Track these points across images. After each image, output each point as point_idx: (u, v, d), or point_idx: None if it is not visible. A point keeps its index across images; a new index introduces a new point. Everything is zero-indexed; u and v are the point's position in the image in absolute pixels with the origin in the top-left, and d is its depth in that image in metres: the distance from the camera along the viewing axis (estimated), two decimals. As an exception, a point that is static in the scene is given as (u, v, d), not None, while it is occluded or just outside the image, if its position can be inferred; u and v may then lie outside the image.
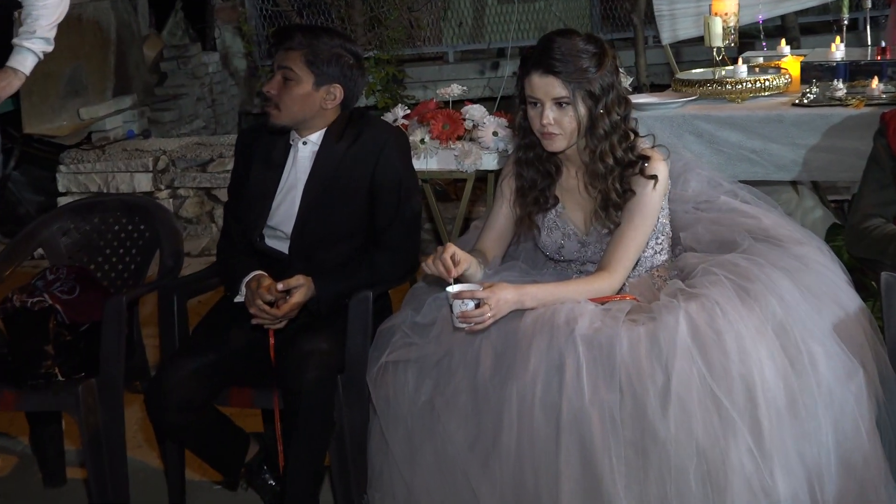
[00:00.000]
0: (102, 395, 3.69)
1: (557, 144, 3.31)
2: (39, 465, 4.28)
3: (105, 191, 7.56)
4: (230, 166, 7.32)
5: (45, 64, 4.65)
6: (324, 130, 3.69)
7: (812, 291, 3.20)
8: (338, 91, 3.63)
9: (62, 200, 7.63)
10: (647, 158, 3.29)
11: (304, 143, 3.70)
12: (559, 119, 3.25)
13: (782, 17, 8.26)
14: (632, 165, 3.30)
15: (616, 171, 3.30)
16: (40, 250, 4.31)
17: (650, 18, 9.91)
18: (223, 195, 7.47)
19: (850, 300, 3.24)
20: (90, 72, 8.48)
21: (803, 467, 2.95)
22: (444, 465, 3.15)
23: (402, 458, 3.25)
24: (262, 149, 3.77)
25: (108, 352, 3.69)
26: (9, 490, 4.40)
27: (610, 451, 2.92)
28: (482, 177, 4.93)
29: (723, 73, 4.37)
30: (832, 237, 3.87)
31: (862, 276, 3.52)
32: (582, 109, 3.22)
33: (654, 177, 3.27)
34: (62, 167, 7.71)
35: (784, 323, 3.06)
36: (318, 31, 3.78)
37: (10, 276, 4.23)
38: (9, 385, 3.72)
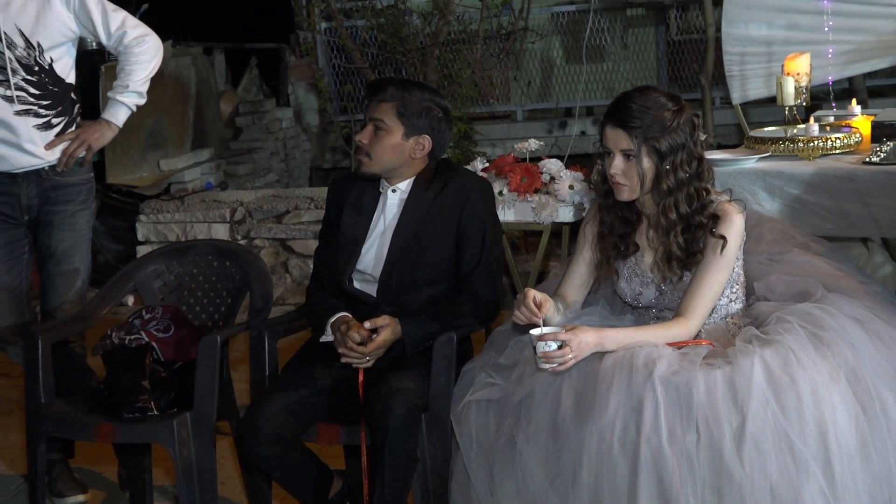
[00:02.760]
0: (195, 429, 3.82)
1: (623, 194, 3.44)
2: (130, 498, 4.41)
3: (183, 240, 7.80)
4: (305, 218, 7.61)
5: (130, 117, 4.81)
6: (412, 179, 3.84)
7: (882, 340, 3.28)
8: (426, 142, 3.79)
9: (141, 249, 7.86)
10: (717, 219, 3.39)
11: (394, 190, 3.85)
12: (625, 170, 3.38)
13: (850, 80, 8.36)
14: (700, 227, 3.41)
15: (679, 227, 3.41)
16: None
17: (717, 79, 10.07)
18: (298, 246, 7.67)
19: None
20: (170, 125, 8.76)
21: (874, 509, 3.04)
22: (524, 500, 3.26)
23: (483, 493, 3.36)
24: (354, 196, 3.93)
25: (203, 388, 3.83)
26: None
27: (687, 489, 3.02)
28: (556, 231, 5.07)
29: (794, 131, 4.48)
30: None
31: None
32: (646, 163, 3.36)
33: (723, 238, 3.37)
34: (142, 217, 7.92)
35: (856, 370, 3.15)
36: (410, 84, 3.96)
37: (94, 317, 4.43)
38: (107, 418, 3.88)
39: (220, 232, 7.75)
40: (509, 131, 10.67)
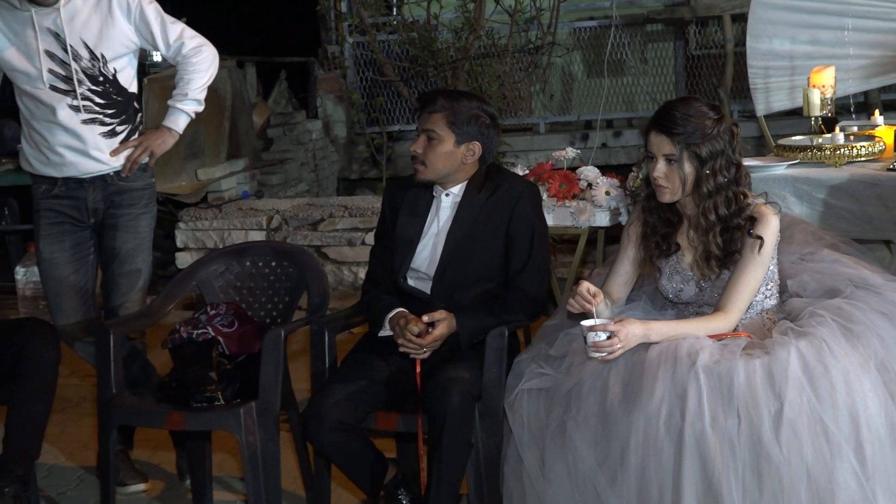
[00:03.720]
0: (260, 417, 4.01)
1: (665, 196, 3.66)
2: (192, 485, 4.59)
3: (221, 247, 7.99)
4: (339, 225, 7.83)
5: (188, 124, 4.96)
6: (465, 183, 4.06)
7: (909, 333, 3.50)
8: (476, 148, 4.01)
9: (180, 255, 8.09)
10: (754, 221, 3.59)
11: (447, 194, 4.07)
12: (668, 174, 3.61)
13: (865, 94, 8.57)
14: (738, 228, 3.61)
15: (717, 228, 3.62)
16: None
17: (735, 92, 10.26)
18: (332, 253, 7.87)
19: None
20: (207, 136, 8.97)
21: (902, 490, 3.22)
22: (575, 481, 3.45)
23: (536, 476, 3.56)
24: (409, 200, 4.14)
25: (267, 379, 4.03)
26: None
27: (729, 471, 3.22)
28: (590, 237, 5.27)
29: (820, 140, 4.69)
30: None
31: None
32: (688, 168, 3.57)
33: (760, 238, 3.57)
34: (181, 224, 8.14)
35: (885, 360, 3.36)
36: (458, 94, 4.18)
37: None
38: (176, 407, 4.09)
39: (257, 239, 7.93)
40: (532, 143, 10.88)
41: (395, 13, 9.27)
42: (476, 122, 4.02)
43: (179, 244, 8.18)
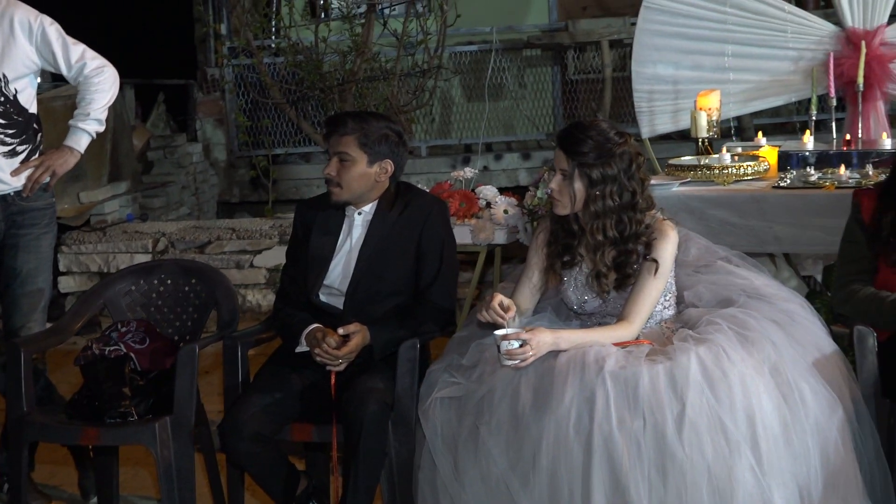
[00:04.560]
0: (175, 431, 4.13)
1: (558, 208, 3.87)
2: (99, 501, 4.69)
3: (106, 271, 8.01)
4: (227, 248, 7.94)
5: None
6: (376, 201, 4.24)
7: (798, 340, 3.75)
8: (389, 166, 4.17)
9: (64, 280, 8.08)
10: (649, 246, 3.81)
11: (359, 213, 4.23)
12: (561, 188, 3.81)
13: (738, 119, 9.01)
14: (632, 252, 3.82)
15: (606, 248, 3.82)
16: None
17: (614, 117, 10.62)
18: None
19: (829, 347, 3.81)
20: (89, 158, 8.79)
21: (795, 484, 3.46)
22: (488, 485, 3.61)
23: (449, 481, 3.71)
24: (320, 219, 4.29)
25: (182, 393, 4.14)
26: None
27: (636, 470, 3.43)
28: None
29: (708, 160, 5.00)
30: (811, 300, 4.45)
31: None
32: (578, 185, 3.77)
33: (655, 261, 3.80)
34: (64, 248, 8.12)
35: (777, 364, 3.61)
36: (366, 115, 4.37)
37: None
38: (90, 423, 4.19)
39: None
40: (414, 166, 11.02)
41: (280, 35, 9.40)
42: (386, 140, 4.18)
43: (62, 268, 8.16)
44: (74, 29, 5.01)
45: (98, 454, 4.61)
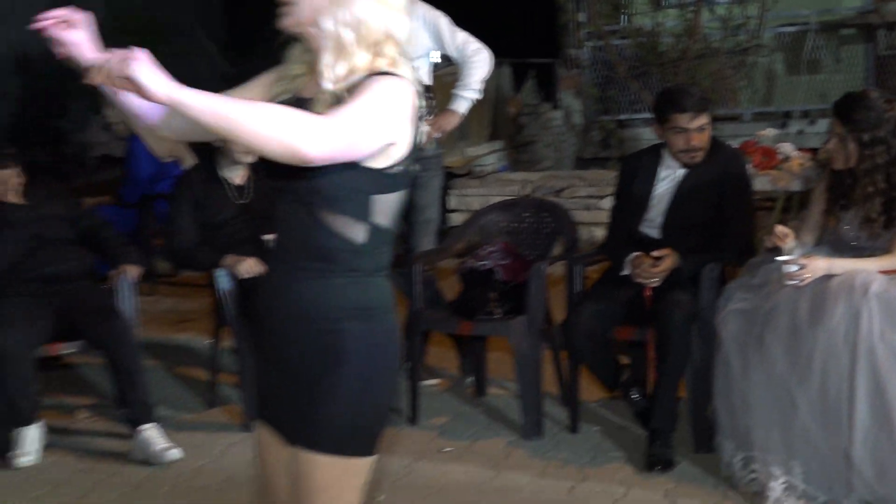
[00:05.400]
0: (528, 328, 4.41)
1: (835, 164, 3.89)
2: (476, 382, 5.04)
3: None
4: (579, 193, 8.13)
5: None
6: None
7: None
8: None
9: (452, 216, 8.50)
10: None
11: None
12: (837, 148, 3.83)
13: None
14: (893, 200, 3.77)
15: (876, 200, 3.79)
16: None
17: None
18: (574, 216, 8.19)
19: None
20: (473, 121, 9.32)
21: None
22: (771, 382, 3.72)
23: (739, 376, 3.82)
24: (643, 166, 4.46)
25: (533, 300, 4.42)
26: (450, 396, 5.12)
27: (892, 375, 3.49)
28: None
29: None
30: None
31: None
32: (851, 147, 3.78)
33: None
34: (453, 191, 8.54)
35: None
36: (697, 90, 4.49)
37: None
38: (466, 318, 4.55)
39: (513, 203, 8.31)
40: (738, 129, 10.93)
41: (626, 22, 9.54)
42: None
43: (451, 207, 8.57)
44: (462, 18, 5.36)
45: (472, 343, 4.97)
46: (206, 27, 11.67)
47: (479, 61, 5.24)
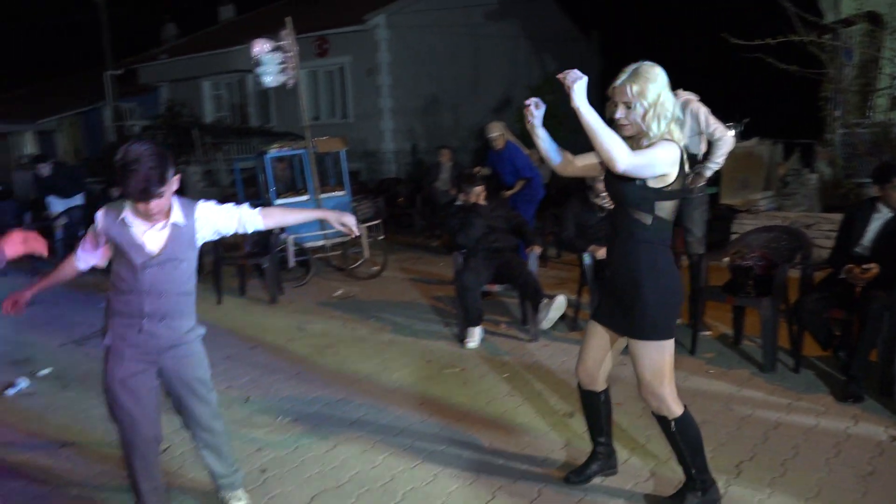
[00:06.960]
0: (774, 305, 4.45)
1: None
2: (735, 335, 5.06)
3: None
4: (822, 227, 7.85)
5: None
6: None
7: None
8: None
9: (733, 237, 8.16)
10: None
11: None
12: None
13: None
14: None
15: None
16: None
17: None
18: (816, 241, 7.44)
19: None
20: (752, 176, 9.28)
21: None
22: None
23: None
24: (861, 210, 4.39)
25: (777, 286, 4.51)
26: (716, 342, 5.03)
27: None
28: None
29: None
30: None
31: None
32: None
33: None
34: (735, 221, 8.15)
35: None
36: None
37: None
38: (731, 294, 4.67)
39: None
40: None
41: (869, 116, 9.00)
42: None
43: (732, 230, 8.10)
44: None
45: (737, 313, 5.05)
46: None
47: (723, 143, 4.98)
